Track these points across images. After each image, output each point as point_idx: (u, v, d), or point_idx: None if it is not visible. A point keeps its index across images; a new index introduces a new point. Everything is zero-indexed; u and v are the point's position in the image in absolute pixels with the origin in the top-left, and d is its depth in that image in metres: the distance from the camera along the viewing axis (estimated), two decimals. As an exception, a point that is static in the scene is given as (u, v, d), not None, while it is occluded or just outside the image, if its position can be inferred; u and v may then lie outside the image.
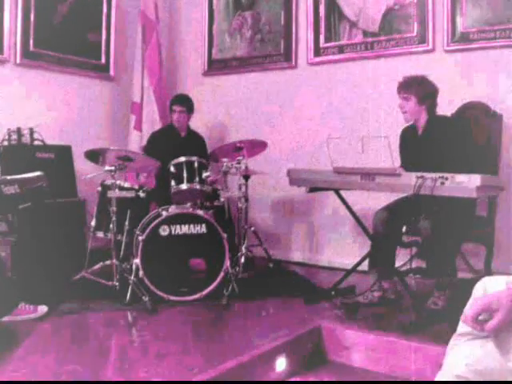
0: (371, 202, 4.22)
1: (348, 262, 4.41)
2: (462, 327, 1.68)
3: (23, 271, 4.08)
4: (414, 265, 3.52)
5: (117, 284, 3.83)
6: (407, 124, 3.78)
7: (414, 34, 4.53)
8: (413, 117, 3.63)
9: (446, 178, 3.01)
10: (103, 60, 5.56)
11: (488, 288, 1.66)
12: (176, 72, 6.04)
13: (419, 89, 3.56)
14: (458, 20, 4.33)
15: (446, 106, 3.76)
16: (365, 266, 3.86)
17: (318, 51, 5.05)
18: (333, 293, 3.86)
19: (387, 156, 3.28)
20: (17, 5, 4.78)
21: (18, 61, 4.83)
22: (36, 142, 4.69)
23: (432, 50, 4.45)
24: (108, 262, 3.92)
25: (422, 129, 3.64)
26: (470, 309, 1.59)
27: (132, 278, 3.69)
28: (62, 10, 5.17)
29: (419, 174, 3.11)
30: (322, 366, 3.11)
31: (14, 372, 2.54)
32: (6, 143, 4.54)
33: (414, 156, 3.64)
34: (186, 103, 4.85)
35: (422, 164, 3.35)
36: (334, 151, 3.50)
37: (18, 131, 4.59)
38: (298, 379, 2.94)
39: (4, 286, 3.24)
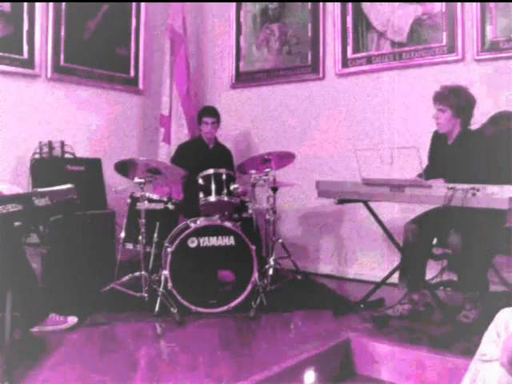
0: (401, 213, 4.18)
1: (377, 274, 4.37)
2: (483, 347, 1.65)
3: (54, 282, 4.13)
4: (444, 277, 3.47)
5: (146, 295, 3.86)
6: None
7: (443, 43, 4.49)
8: (446, 129, 3.56)
9: (478, 190, 2.97)
10: (132, 74, 5.63)
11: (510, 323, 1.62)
12: (204, 85, 6.08)
13: (456, 101, 3.47)
14: (488, 29, 4.28)
15: (477, 116, 3.70)
16: (394, 278, 3.81)
17: (345, 62, 5.04)
18: (362, 305, 3.83)
19: (416, 167, 3.25)
20: (47, 21, 4.88)
21: (48, 75, 4.92)
22: (67, 155, 4.75)
23: (461, 60, 4.41)
24: (137, 274, 3.95)
25: (453, 140, 3.58)
26: (505, 354, 1.55)
27: (161, 289, 3.71)
28: (91, 26, 5.26)
29: (450, 185, 3.07)
30: (350, 379, 3.09)
31: (44, 382, 2.58)
32: (37, 156, 4.61)
33: (442, 163, 3.58)
34: (216, 115, 4.89)
35: (448, 173, 3.31)
36: (363, 162, 3.47)
37: (49, 144, 4.66)
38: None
39: (35, 296, 3.28)
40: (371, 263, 4.84)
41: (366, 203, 3.80)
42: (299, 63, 5.36)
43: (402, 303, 3.62)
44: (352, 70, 5.02)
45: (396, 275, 3.77)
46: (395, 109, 4.74)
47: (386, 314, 3.61)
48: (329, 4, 5.13)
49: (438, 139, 3.72)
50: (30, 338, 3.17)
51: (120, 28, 5.51)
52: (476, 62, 4.35)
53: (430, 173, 3.46)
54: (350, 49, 5.01)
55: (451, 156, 3.53)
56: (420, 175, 3.38)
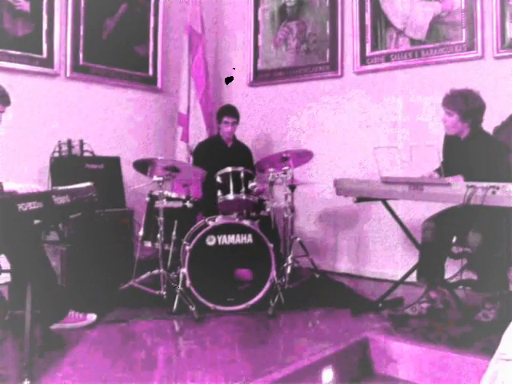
0: (419, 211, 4.15)
1: (396, 273, 4.35)
2: (503, 347, 1.63)
3: (73, 280, 4.17)
4: (464, 276, 3.44)
5: (164, 293, 3.87)
6: None
7: (463, 40, 4.45)
8: (453, 131, 3.54)
9: (498, 188, 2.94)
10: (151, 72, 5.66)
11: None
12: (222, 83, 6.08)
13: (463, 106, 3.43)
14: (508, 26, 4.23)
15: (497, 114, 3.67)
16: (413, 277, 3.78)
17: (364, 60, 5.01)
18: (380, 304, 3.81)
19: (436, 165, 3.22)
20: (66, 20, 4.92)
21: (68, 74, 4.97)
22: (86, 154, 4.79)
23: (481, 57, 4.36)
24: (155, 272, 3.97)
25: (465, 138, 3.55)
26: None
27: (179, 287, 3.72)
28: (110, 25, 5.30)
29: (470, 183, 3.04)
30: (368, 378, 3.07)
31: (63, 378, 2.60)
32: (56, 155, 4.66)
33: (456, 159, 3.55)
34: (237, 115, 4.90)
35: (463, 168, 3.28)
36: (382, 161, 3.46)
37: (69, 143, 4.70)
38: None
39: (55, 294, 3.31)
40: (390, 262, 4.82)
41: (384, 201, 3.79)
42: (317, 61, 5.34)
43: (420, 302, 3.60)
44: (370, 67, 4.99)
45: (415, 274, 3.75)
46: (415, 106, 4.70)
47: (405, 313, 3.59)
48: (347, 1, 5.11)
49: (451, 138, 3.69)
50: (50, 335, 3.20)
51: (138, 27, 5.54)
52: (496, 59, 4.30)
53: (445, 169, 3.43)
54: (368, 46, 4.98)
55: (465, 151, 3.49)
56: (438, 170, 3.35)
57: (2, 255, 3.15)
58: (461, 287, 3.78)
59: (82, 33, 5.04)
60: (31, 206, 2.56)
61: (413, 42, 4.74)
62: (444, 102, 3.54)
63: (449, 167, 3.40)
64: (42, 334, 3.11)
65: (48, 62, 4.81)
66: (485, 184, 2.98)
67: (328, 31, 5.25)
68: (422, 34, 4.67)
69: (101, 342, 3.19)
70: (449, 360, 2.88)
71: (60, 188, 2.96)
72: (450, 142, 3.67)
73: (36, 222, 2.83)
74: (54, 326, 3.30)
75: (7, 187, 2.99)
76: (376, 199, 3.78)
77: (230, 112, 4.90)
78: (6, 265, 3.12)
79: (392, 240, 4.79)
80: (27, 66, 4.66)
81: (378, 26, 4.91)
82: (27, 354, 2.59)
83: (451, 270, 3.61)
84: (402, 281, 3.90)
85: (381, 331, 3.33)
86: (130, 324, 3.51)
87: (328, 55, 5.27)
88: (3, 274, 3.32)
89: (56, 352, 2.95)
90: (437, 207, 3.71)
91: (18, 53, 4.59)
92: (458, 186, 3.10)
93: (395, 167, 3.69)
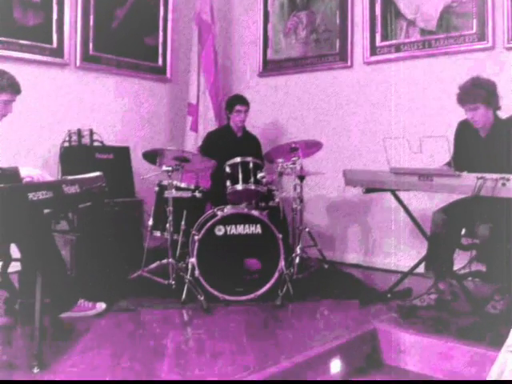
0: (429, 202, 4.14)
1: (404, 264, 4.34)
2: (511, 339, 1.63)
3: (83, 269, 4.19)
4: (473, 268, 3.44)
5: (173, 283, 3.89)
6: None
7: (473, 31, 4.41)
8: (482, 123, 3.45)
9: (508, 179, 2.93)
10: (160, 62, 5.66)
11: None
12: (231, 73, 6.07)
13: (483, 93, 3.36)
14: (519, 16, 4.20)
15: (507, 105, 3.63)
16: (422, 268, 3.78)
17: (374, 50, 4.99)
18: (389, 295, 3.81)
19: (446, 156, 3.20)
20: (76, 10, 4.93)
21: (77, 64, 4.98)
22: (95, 143, 4.80)
23: (492, 48, 4.33)
24: (164, 261, 3.98)
25: (487, 132, 3.49)
26: None
27: (188, 277, 3.74)
28: (119, 14, 5.30)
29: (479, 174, 3.02)
30: (376, 369, 3.08)
31: (73, 367, 2.62)
32: (66, 144, 4.67)
33: (473, 156, 3.52)
34: (247, 102, 4.89)
35: (482, 165, 3.25)
36: (391, 151, 3.44)
37: (79, 132, 4.71)
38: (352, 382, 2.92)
39: (64, 283, 3.33)
40: (398, 253, 4.81)
41: (393, 192, 3.78)
42: (327, 51, 5.32)
43: (429, 293, 3.59)
44: (380, 58, 4.96)
45: (424, 265, 3.74)
46: (424, 97, 4.68)
47: (413, 304, 3.59)
48: (357, -9, 5.08)
49: (466, 130, 3.64)
50: (60, 323, 3.22)
51: (148, 17, 5.54)
52: (507, 49, 4.26)
53: (457, 164, 3.40)
54: (378, 37, 4.95)
55: (485, 150, 3.45)
56: (449, 163, 3.33)
57: (13, 244, 3.18)
58: (470, 279, 3.78)
59: (91, 23, 5.05)
60: (41, 195, 2.57)
61: (423, 32, 4.70)
62: (462, 100, 3.44)
63: (464, 162, 3.36)
64: (51, 322, 3.13)
65: (58, 52, 4.82)
66: (494, 175, 2.97)
67: (338, 21, 5.22)
68: (433, 24, 4.63)
69: (110, 330, 3.21)
70: (457, 351, 2.88)
71: (70, 177, 2.98)
72: (467, 137, 3.62)
73: (46, 211, 2.84)
74: (64, 315, 3.32)
75: (24, 173, 3.02)
76: (385, 190, 3.77)
77: (242, 100, 4.90)
78: (17, 254, 3.14)
79: (401, 231, 4.78)
80: (37, 55, 4.68)
81: (388, 16, 4.88)
82: (37, 343, 2.61)
83: (460, 261, 3.61)
84: (411, 272, 3.89)
85: (389, 322, 3.33)
86: (139, 313, 3.53)
87: (338, 45, 5.24)
88: (13, 263, 3.35)
89: (65, 341, 2.97)
90: (447, 198, 3.69)
91: (29, 43, 4.61)
92: (468, 177, 3.09)
93: (404, 158, 3.68)
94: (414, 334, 3.11)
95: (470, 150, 3.59)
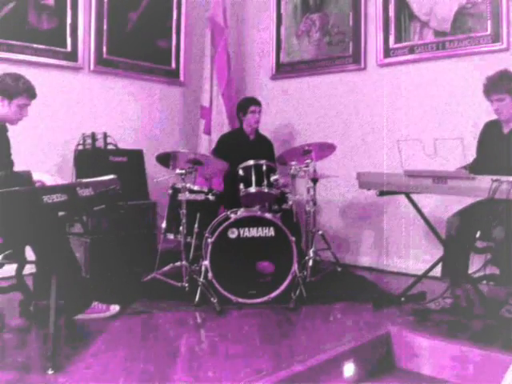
0: (443, 205, 4.11)
1: (418, 267, 4.31)
2: None
3: (97, 271, 4.21)
4: (488, 271, 3.41)
5: (186, 285, 3.90)
6: (491, 119, 3.63)
7: (488, 32, 4.38)
8: (509, 115, 3.44)
9: (523, 182, 2.90)
10: (173, 65, 5.68)
11: None
12: (244, 76, 6.08)
13: (511, 85, 3.38)
14: (535, 17, 4.17)
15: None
16: (436, 271, 3.76)
17: (387, 52, 4.97)
18: (403, 299, 3.79)
19: (460, 159, 3.18)
20: (90, 14, 4.97)
21: (91, 68, 5.02)
22: (109, 147, 4.83)
23: (506, 49, 4.29)
24: (178, 264, 3.99)
25: (510, 128, 3.48)
26: None
27: (201, 279, 3.75)
28: (133, 18, 5.32)
29: (495, 177, 3.00)
30: (390, 372, 3.06)
31: (87, 369, 2.63)
32: (81, 147, 4.70)
33: (494, 154, 3.49)
34: (260, 103, 4.88)
35: (502, 163, 3.22)
36: (405, 154, 3.43)
37: (93, 136, 4.74)
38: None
39: (79, 285, 3.35)
40: (412, 256, 4.78)
41: (408, 195, 3.75)
42: (340, 54, 5.31)
43: (443, 297, 3.56)
44: (394, 60, 4.94)
45: (438, 268, 3.72)
46: (438, 99, 4.66)
47: (428, 307, 3.56)
48: (370, -7, 5.07)
49: (491, 130, 3.62)
50: (74, 325, 3.24)
51: (161, 20, 5.56)
52: (522, 51, 4.24)
53: (479, 165, 3.38)
54: (392, 38, 4.93)
55: (506, 146, 3.43)
56: (465, 168, 3.31)
57: (28, 246, 3.20)
58: (484, 282, 3.74)
59: (105, 26, 5.08)
60: (56, 198, 2.59)
61: (437, 33, 4.68)
62: (489, 90, 3.46)
63: (485, 162, 3.33)
64: (66, 324, 3.15)
65: (72, 56, 4.86)
66: (510, 178, 2.94)
67: (351, 23, 5.21)
68: (447, 25, 4.61)
69: (123, 332, 3.23)
70: (472, 355, 2.86)
71: (84, 180, 3.00)
72: (490, 136, 3.60)
73: (60, 213, 2.86)
74: (78, 317, 3.34)
75: (36, 177, 3.05)
76: (399, 193, 3.75)
77: (255, 101, 4.90)
78: (32, 256, 3.17)
79: (415, 234, 4.76)
80: (52, 59, 4.72)
81: (402, 17, 4.86)
82: (51, 345, 2.63)
83: (475, 264, 3.58)
84: (425, 275, 3.87)
85: (403, 325, 3.31)
86: (153, 315, 3.55)
87: (351, 47, 5.23)
88: (28, 265, 3.37)
89: (80, 343, 2.99)
90: (462, 201, 3.66)
91: (43, 47, 4.65)
92: (483, 180, 3.07)
93: (419, 160, 3.66)
94: (428, 337, 3.08)
95: (493, 148, 3.56)
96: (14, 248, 3.17)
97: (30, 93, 3.24)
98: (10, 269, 3.35)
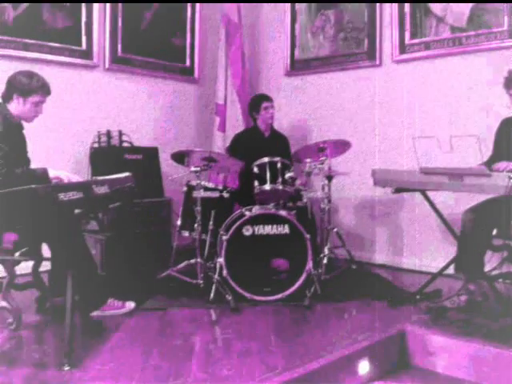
0: (459, 202, 4.08)
1: (434, 264, 4.29)
2: None
3: (112, 268, 4.24)
4: (504, 269, 3.38)
5: (201, 282, 3.91)
6: (508, 116, 3.60)
7: (505, 27, 4.32)
8: None
9: (541, 178, 2.87)
10: (188, 63, 5.69)
11: None
12: (259, 73, 6.07)
13: None
14: (552, 12, 4.11)
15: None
16: (452, 269, 3.72)
17: (403, 48, 4.93)
18: (418, 296, 3.77)
19: (476, 156, 3.15)
20: (105, 12, 4.99)
21: (106, 66, 5.04)
22: (124, 144, 4.85)
23: (524, 45, 4.25)
24: (193, 261, 4.01)
25: None
26: None
27: (216, 276, 3.76)
28: (147, 16, 5.34)
29: (511, 174, 2.97)
30: (405, 371, 3.05)
31: (102, 365, 2.65)
32: (96, 145, 4.73)
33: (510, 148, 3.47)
34: (272, 99, 4.89)
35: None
36: (421, 151, 3.40)
37: (108, 134, 4.76)
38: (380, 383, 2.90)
39: (94, 282, 3.37)
40: (428, 253, 4.76)
41: (423, 192, 3.73)
42: (355, 50, 5.28)
43: (459, 294, 3.54)
44: (409, 56, 4.90)
45: (454, 266, 3.69)
46: (454, 96, 4.62)
47: (443, 305, 3.54)
48: (386, -12, 5.03)
49: (506, 127, 3.59)
50: (90, 322, 3.26)
51: (176, 18, 5.57)
52: (540, 46, 4.19)
53: (496, 161, 3.34)
54: (407, 34, 4.88)
55: None
56: (484, 164, 3.28)
57: (44, 244, 3.23)
58: (501, 280, 3.71)
59: (120, 24, 5.10)
60: (72, 195, 2.60)
61: (453, 29, 4.63)
62: (508, 82, 3.44)
63: (502, 157, 3.31)
64: (82, 321, 3.17)
65: (87, 54, 4.88)
66: (527, 175, 2.91)
67: (366, 19, 5.18)
68: (463, 21, 4.56)
69: (139, 329, 3.24)
70: (487, 353, 2.84)
71: (100, 178, 3.02)
72: (506, 132, 3.57)
73: (77, 211, 2.88)
74: (94, 314, 3.36)
75: (52, 174, 3.07)
76: (414, 190, 3.73)
77: (267, 97, 4.93)
78: (48, 253, 3.19)
79: (430, 231, 4.73)
80: (67, 57, 4.75)
81: (418, 13, 4.81)
82: (67, 341, 2.65)
83: (492, 262, 3.55)
84: (441, 273, 3.85)
85: (418, 323, 3.29)
86: (168, 312, 3.56)
87: (366, 44, 5.20)
88: (44, 262, 3.40)
89: (95, 339, 3.01)
90: (478, 198, 3.63)
91: (58, 45, 4.68)
92: (499, 177, 3.04)
93: (435, 157, 3.63)
94: (444, 335, 3.07)
95: (509, 145, 3.52)
96: (30, 245, 3.21)
97: (44, 90, 3.26)
98: (26, 266, 3.39)
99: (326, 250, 4.22)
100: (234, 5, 5.55)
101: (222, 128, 5.55)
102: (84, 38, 4.85)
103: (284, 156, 4.29)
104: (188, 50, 5.67)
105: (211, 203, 4.06)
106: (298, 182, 4.16)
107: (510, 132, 3.56)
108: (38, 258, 3.36)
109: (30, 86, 3.21)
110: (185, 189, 4.21)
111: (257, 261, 3.83)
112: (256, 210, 3.96)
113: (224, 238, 3.81)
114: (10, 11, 4.41)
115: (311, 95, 5.63)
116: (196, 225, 3.97)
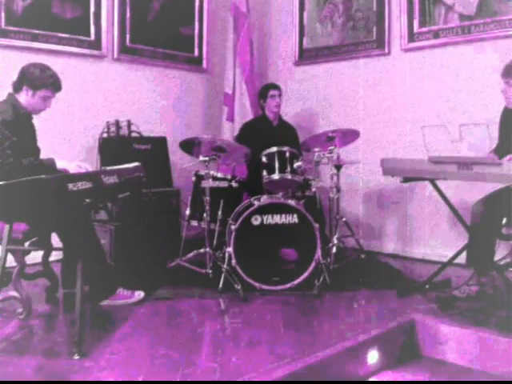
0: (468, 191, 4.06)
1: (443, 254, 4.28)
2: None
3: (121, 258, 4.26)
4: (514, 258, 3.37)
5: (210, 272, 3.92)
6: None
7: (515, 15, 4.30)
8: None
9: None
10: (196, 53, 5.68)
11: None
12: (267, 62, 6.05)
13: None
14: None
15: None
16: (461, 258, 3.72)
17: (412, 37, 4.89)
18: (427, 286, 3.76)
19: (486, 144, 3.13)
20: (113, 3, 4.98)
21: (115, 56, 5.04)
22: (133, 134, 4.86)
23: (534, 32, 4.21)
24: (202, 250, 4.01)
25: None
26: None
27: (225, 266, 3.76)
28: (155, 6, 5.33)
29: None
30: (414, 360, 3.05)
31: (112, 354, 2.67)
32: (105, 135, 4.74)
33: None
34: (279, 87, 4.89)
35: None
36: (430, 140, 3.38)
37: (117, 124, 4.77)
38: (389, 373, 2.90)
39: (104, 271, 3.39)
40: (437, 243, 4.75)
41: (432, 182, 3.71)
42: (364, 39, 5.25)
43: (469, 284, 3.53)
44: (418, 44, 4.86)
45: (463, 255, 3.68)
46: (463, 84, 4.58)
47: (453, 294, 3.53)
48: (395, -24, 4.99)
49: (507, 115, 3.57)
50: (99, 311, 3.28)
51: (184, 7, 5.56)
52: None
53: (501, 151, 3.32)
54: (416, 23, 4.85)
55: None
56: (494, 151, 3.26)
57: (54, 234, 3.24)
58: (511, 269, 3.70)
59: (128, 15, 5.10)
60: (81, 185, 2.61)
61: (462, 17, 4.59)
62: (504, 72, 3.41)
63: (506, 147, 3.28)
64: (91, 310, 3.19)
65: (96, 44, 4.89)
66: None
67: (375, 8, 5.14)
68: (472, 9, 4.52)
69: (148, 318, 3.26)
70: (496, 343, 2.83)
71: (109, 168, 3.02)
72: (507, 121, 3.55)
73: (86, 201, 2.89)
74: (103, 303, 3.38)
75: (59, 165, 3.08)
76: (424, 179, 3.71)
77: (274, 85, 4.95)
78: (58, 243, 3.21)
79: (439, 220, 4.72)
80: (76, 48, 4.75)
81: (426, 1, 4.77)
82: (77, 330, 2.66)
83: (502, 251, 3.54)
84: (450, 262, 3.83)
85: (428, 313, 3.29)
86: (177, 301, 3.57)
87: (375, 32, 5.16)
88: (54, 252, 3.42)
89: (105, 328, 3.03)
90: (488, 187, 3.61)
91: (67, 35, 4.68)
92: (509, 166, 3.01)
93: (444, 146, 3.61)
94: (453, 325, 3.06)
95: (509, 133, 3.50)
96: (39, 235, 3.22)
97: (54, 86, 3.26)
98: (36, 255, 3.41)
99: (335, 240, 4.22)
100: (242, -6, 5.53)
101: (231, 118, 5.54)
102: (92, 28, 4.85)
103: (292, 145, 4.28)
104: (196, 39, 5.65)
105: (220, 193, 4.06)
106: (301, 168, 4.11)
107: (509, 119, 3.52)
108: (48, 248, 3.38)
109: (42, 80, 3.20)
110: (193, 178, 4.21)
111: (265, 250, 3.83)
112: (265, 199, 3.96)
113: (233, 227, 3.81)
114: (19, 2, 4.42)
115: (320, 84, 5.60)
116: (205, 214, 3.97)
